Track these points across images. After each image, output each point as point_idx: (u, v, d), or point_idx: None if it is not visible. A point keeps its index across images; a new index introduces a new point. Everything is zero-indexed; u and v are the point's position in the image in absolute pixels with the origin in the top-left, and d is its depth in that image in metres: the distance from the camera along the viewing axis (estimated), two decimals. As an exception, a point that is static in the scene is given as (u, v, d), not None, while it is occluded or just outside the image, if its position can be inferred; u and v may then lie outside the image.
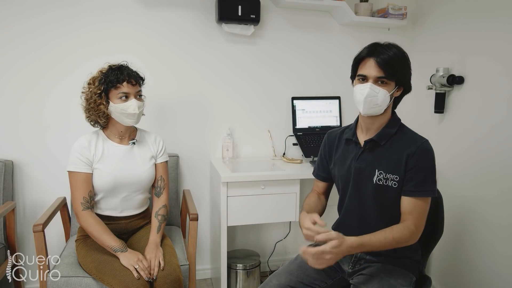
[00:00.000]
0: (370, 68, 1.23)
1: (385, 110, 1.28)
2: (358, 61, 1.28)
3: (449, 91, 2.12)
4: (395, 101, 1.33)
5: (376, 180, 1.28)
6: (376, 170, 1.28)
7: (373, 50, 1.24)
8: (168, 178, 1.73)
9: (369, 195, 1.31)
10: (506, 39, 1.79)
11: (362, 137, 1.35)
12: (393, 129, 1.30)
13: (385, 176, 1.27)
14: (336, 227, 1.46)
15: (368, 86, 1.23)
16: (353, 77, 1.33)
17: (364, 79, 1.25)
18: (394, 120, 1.32)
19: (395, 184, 1.26)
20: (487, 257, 1.88)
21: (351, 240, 1.15)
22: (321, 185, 1.52)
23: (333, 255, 1.12)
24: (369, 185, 1.30)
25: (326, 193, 1.54)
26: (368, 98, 1.23)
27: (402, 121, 1.35)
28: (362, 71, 1.26)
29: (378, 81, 1.23)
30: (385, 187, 1.27)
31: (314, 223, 1.19)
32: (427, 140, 1.27)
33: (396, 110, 1.37)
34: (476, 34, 1.95)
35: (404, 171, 1.25)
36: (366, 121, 1.32)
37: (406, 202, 1.25)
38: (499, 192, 1.81)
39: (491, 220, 1.86)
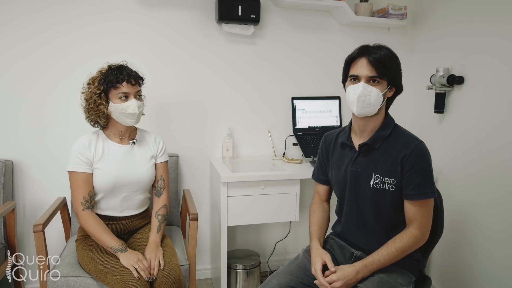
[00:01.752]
0: (362, 67, 1.23)
1: (378, 111, 1.27)
2: (349, 63, 1.28)
3: (449, 91, 2.12)
4: (388, 102, 1.33)
5: (373, 184, 1.28)
6: (373, 174, 1.28)
7: (364, 51, 1.24)
8: (168, 178, 1.73)
9: (367, 199, 1.30)
10: (506, 38, 1.79)
11: (356, 141, 1.34)
12: (387, 131, 1.29)
13: (382, 179, 1.27)
14: (337, 232, 1.46)
15: (360, 86, 1.23)
16: (344, 80, 1.33)
17: (356, 79, 1.25)
18: (387, 122, 1.32)
19: (392, 188, 1.26)
20: (487, 257, 1.87)
21: (354, 268, 1.22)
22: (322, 189, 1.52)
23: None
24: (366, 189, 1.30)
25: (329, 197, 1.54)
26: (361, 97, 1.22)
27: (402, 122, 1.35)
28: (353, 71, 1.26)
29: (370, 80, 1.23)
30: (382, 191, 1.27)
31: (324, 264, 1.28)
32: (421, 142, 1.26)
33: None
34: (476, 33, 1.95)
35: (401, 174, 1.25)
36: (360, 123, 1.31)
37: (409, 207, 1.25)
38: (500, 193, 1.81)
39: (491, 221, 1.86)
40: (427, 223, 1.25)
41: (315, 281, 1.27)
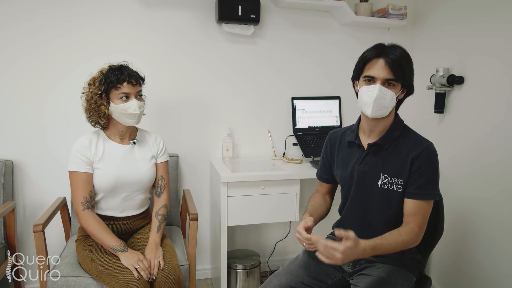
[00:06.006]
0: (379, 69, 1.21)
1: (389, 112, 1.27)
2: (365, 62, 1.25)
3: (449, 91, 2.12)
4: (398, 103, 1.32)
5: (381, 184, 1.28)
6: (381, 174, 1.28)
7: (381, 51, 1.22)
8: (168, 178, 1.73)
9: (373, 199, 1.30)
10: (506, 38, 1.79)
11: (365, 140, 1.34)
12: (397, 132, 1.29)
13: (390, 180, 1.27)
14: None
15: (377, 88, 1.21)
16: (355, 77, 1.31)
17: (371, 80, 1.24)
18: (397, 123, 1.31)
19: (399, 188, 1.26)
20: (487, 257, 1.88)
21: (364, 244, 1.11)
22: (325, 186, 1.52)
23: (345, 256, 1.06)
24: (374, 189, 1.29)
25: (331, 194, 1.54)
26: (377, 100, 1.21)
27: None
28: (370, 72, 1.23)
29: (386, 82, 1.22)
30: (389, 191, 1.27)
31: (307, 228, 1.20)
32: (431, 143, 1.26)
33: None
34: (476, 33, 1.95)
35: (409, 174, 1.24)
36: (370, 123, 1.30)
37: (409, 205, 1.25)
38: (499, 192, 1.81)
39: (491, 220, 1.86)
40: (424, 224, 1.25)
41: (296, 235, 1.20)
